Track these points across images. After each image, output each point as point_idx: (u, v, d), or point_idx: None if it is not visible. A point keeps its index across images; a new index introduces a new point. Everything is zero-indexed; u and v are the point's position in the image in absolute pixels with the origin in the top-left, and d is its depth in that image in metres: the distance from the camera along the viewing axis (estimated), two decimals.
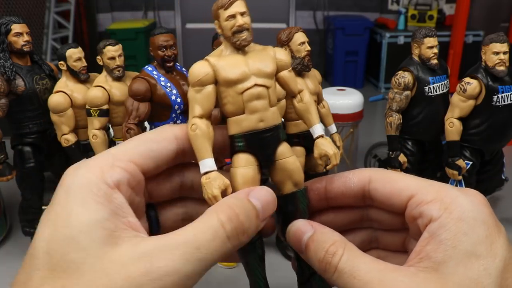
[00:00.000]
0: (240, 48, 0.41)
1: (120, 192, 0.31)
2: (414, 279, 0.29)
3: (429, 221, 0.31)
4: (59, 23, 3.37)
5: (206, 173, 0.37)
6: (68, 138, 1.29)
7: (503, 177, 1.44)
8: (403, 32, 3.38)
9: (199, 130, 0.38)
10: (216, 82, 0.40)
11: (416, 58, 1.36)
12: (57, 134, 1.31)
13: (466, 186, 1.35)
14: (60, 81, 1.31)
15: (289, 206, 0.40)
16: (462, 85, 1.28)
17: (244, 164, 0.39)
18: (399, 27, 3.52)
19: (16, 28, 1.25)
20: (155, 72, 1.22)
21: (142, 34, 3.32)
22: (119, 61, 1.27)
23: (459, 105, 1.29)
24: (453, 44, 3.13)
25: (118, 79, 1.28)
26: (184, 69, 1.30)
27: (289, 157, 0.41)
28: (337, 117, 1.65)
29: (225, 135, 0.40)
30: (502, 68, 1.22)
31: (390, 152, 1.41)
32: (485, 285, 0.28)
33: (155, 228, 0.38)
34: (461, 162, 1.31)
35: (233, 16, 0.40)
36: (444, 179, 1.38)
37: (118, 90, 1.27)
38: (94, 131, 1.26)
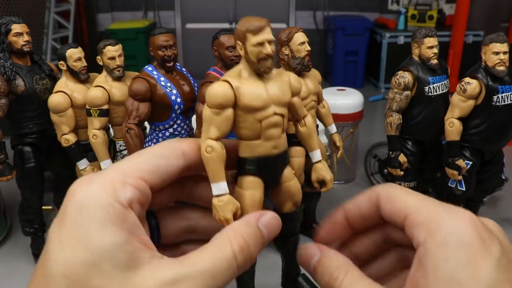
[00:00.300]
0: (261, 74, 0.43)
1: (132, 210, 0.31)
2: None
3: (417, 246, 0.31)
4: (59, 23, 3.37)
5: (219, 195, 0.39)
6: (68, 138, 1.29)
7: (503, 177, 1.44)
8: (403, 32, 3.38)
9: (215, 153, 0.39)
10: (235, 105, 0.41)
11: (416, 58, 1.35)
12: (57, 134, 1.31)
13: (466, 186, 1.35)
14: (60, 81, 1.31)
15: (289, 223, 0.45)
16: (462, 85, 1.28)
17: (253, 187, 0.42)
18: (399, 27, 3.52)
19: (16, 28, 1.25)
20: (155, 72, 1.22)
21: (142, 34, 3.32)
22: (119, 61, 1.27)
23: (459, 105, 1.29)
24: (453, 44, 3.13)
25: (118, 79, 1.28)
26: (184, 69, 1.29)
27: (292, 180, 0.46)
28: (337, 117, 1.65)
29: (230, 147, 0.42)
30: (502, 68, 1.22)
31: (390, 152, 1.41)
32: None
33: (156, 237, 0.39)
34: (461, 162, 1.31)
35: (261, 44, 0.41)
36: (444, 179, 1.38)
37: (118, 90, 1.27)
38: (94, 131, 1.26)
